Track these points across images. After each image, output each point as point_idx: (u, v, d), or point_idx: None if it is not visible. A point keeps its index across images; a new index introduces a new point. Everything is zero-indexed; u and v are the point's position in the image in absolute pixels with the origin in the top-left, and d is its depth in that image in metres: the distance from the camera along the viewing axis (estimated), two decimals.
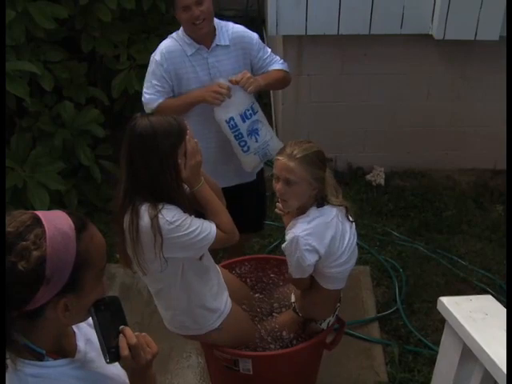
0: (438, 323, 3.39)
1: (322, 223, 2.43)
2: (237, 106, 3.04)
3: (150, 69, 3.14)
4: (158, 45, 3.15)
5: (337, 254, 2.48)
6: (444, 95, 4.91)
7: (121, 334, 1.42)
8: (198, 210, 2.35)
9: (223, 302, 2.58)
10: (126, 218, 2.22)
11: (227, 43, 3.11)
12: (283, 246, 2.49)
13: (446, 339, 2.19)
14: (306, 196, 2.44)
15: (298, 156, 2.38)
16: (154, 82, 3.11)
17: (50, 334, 1.36)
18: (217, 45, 3.10)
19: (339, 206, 2.49)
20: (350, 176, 5.08)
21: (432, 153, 5.12)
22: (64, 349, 1.44)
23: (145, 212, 2.18)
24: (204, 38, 3.07)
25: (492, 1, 4.28)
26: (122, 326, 1.43)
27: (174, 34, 3.15)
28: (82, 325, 1.51)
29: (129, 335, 1.42)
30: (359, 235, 2.73)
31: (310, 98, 4.89)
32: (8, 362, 1.28)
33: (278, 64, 3.26)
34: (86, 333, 1.52)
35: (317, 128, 4.91)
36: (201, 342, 2.84)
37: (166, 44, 3.13)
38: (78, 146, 4.32)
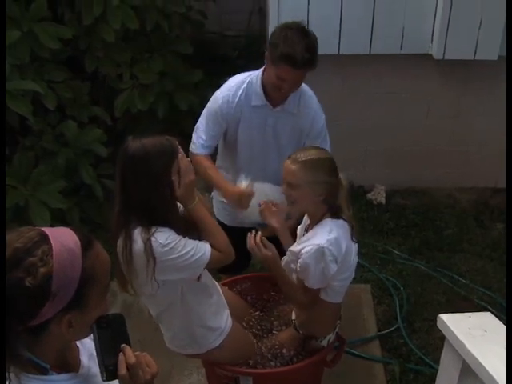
0: (439, 341, 3.37)
1: (340, 235, 2.43)
2: (256, 215, 2.85)
3: (209, 105, 3.02)
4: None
5: (346, 266, 2.49)
6: (444, 114, 4.95)
7: (121, 353, 1.42)
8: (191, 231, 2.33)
9: (223, 320, 2.58)
10: (119, 242, 2.23)
11: (294, 112, 3.00)
12: (304, 258, 2.40)
13: (445, 356, 2.20)
14: (310, 202, 2.45)
15: (300, 160, 2.40)
16: (208, 123, 2.99)
17: (53, 348, 1.38)
18: (283, 108, 2.99)
19: (349, 222, 2.50)
20: (351, 195, 5.00)
21: (432, 171, 5.14)
22: (67, 363, 1.46)
23: (138, 236, 2.18)
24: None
25: (490, 21, 4.33)
26: (123, 345, 1.43)
27: (248, 75, 2.99)
28: (86, 340, 1.52)
29: (128, 354, 1.42)
30: (360, 253, 2.74)
31: None
32: (12, 376, 1.29)
33: None
34: (89, 348, 1.53)
35: None
36: (202, 359, 2.84)
37: (234, 88, 2.96)
38: (81, 165, 4.32)
